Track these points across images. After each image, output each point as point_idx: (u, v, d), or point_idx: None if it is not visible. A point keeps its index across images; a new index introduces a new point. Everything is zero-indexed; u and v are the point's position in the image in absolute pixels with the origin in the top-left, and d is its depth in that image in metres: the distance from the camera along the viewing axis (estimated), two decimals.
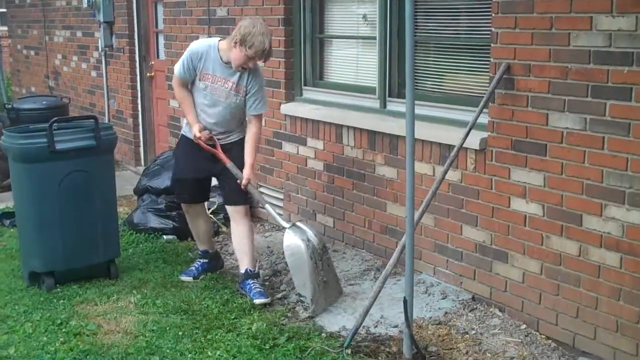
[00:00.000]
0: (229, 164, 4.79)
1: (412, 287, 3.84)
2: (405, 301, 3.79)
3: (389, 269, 3.99)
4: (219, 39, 4.86)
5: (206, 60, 4.73)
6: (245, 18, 4.89)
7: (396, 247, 5.03)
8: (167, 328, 4.28)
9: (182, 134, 5.09)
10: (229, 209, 4.98)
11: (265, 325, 4.29)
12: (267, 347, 4.03)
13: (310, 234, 4.68)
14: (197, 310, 4.56)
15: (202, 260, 5.23)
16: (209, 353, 3.96)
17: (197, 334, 4.20)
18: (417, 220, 4.06)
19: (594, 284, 3.84)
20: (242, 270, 4.85)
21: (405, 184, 4.77)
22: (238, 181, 4.77)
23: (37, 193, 4.77)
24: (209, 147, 4.83)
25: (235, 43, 4.59)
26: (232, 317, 4.44)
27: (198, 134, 4.79)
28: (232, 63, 4.68)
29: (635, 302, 3.64)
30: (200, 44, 4.83)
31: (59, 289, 4.88)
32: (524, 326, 4.21)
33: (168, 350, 3.99)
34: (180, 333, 4.21)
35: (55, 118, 4.82)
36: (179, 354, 3.97)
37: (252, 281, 4.77)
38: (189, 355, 3.94)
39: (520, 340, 4.07)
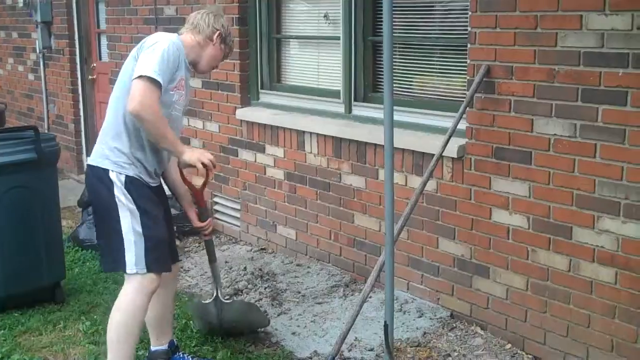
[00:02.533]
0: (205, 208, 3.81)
1: (393, 310, 3.52)
2: (386, 326, 3.47)
3: (367, 291, 3.67)
4: (175, 34, 3.57)
5: (184, 63, 3.49)
6: (203, 6, 3.82)
7: (365, 260, 4.79)
8: None
9: (127, 177, 3.39)
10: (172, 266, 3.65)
11: (229, 353, 3.93)
12: None
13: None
14: None
15: None
16: None
17: None
18: (397, 236, 3.75)
19: (586, 301, 3.58)
20: (166, 346, 3.76)
21: (377, 194, 4.52)
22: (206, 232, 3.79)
23: None
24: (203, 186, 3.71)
25: (218, 38, 3.56)
26: (193, 345, 4.06)
27: (212, 158, 3.50)
28: (207, 64, 3.62)
29: (633, 320, 3.40)
30: (173, 39, 3.43)
31: None
32: (509, 345, 3.94)
33: None
34: None
35: None
36: None
37: (184, 354, 3.86)
38: None
39: None
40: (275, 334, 4.23)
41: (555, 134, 3.60)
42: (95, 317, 4.45)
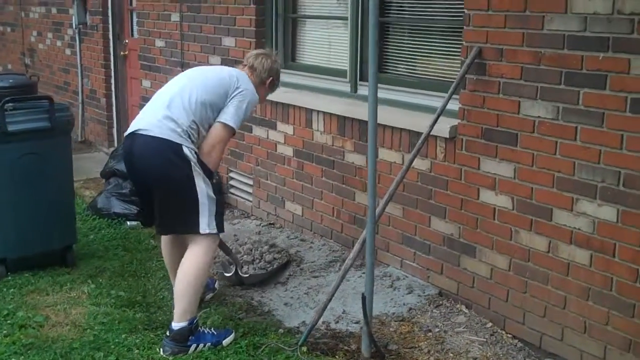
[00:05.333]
0: None
1: (372, 283, 3.64)
2: (364, 298, 3.59)
3: (348, 264, 3.78)
4: (238, 69, 4.12)
5: None
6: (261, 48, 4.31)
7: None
8: (118, 321, 4.06)
9: (195, 152, 3.74)
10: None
11: (221, 319, 4.10)
12: None
13: None
14: (151, 302, 4.35)
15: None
16: (157, 349, 3.75)
17: (148, 328, 3.99)
18: (380, 213, 3.85)
19: (562, 282, 3.64)
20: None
21: (377, 172, 4.60)
22: None
23: None
24: None
25: (269, 84, 4.16)
26: None
27: None
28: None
29: (605, 302, 3.44)
30: (252, 87, 3.98)
31: (10, 277, 4.67)
32: (490, 324, 4.01)
33: (114, 346, 3.77)
34: (130, 327, 4.00)
35: (7, 98, 4.58)
36: (125, 349, 3.75)
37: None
38: (136, 351, 3.73)
39: (485, 340, 3.88)
40: (269, 303, 4.38)
41: (539, 116, 3.65)
42: (101, 280, 4.67)
